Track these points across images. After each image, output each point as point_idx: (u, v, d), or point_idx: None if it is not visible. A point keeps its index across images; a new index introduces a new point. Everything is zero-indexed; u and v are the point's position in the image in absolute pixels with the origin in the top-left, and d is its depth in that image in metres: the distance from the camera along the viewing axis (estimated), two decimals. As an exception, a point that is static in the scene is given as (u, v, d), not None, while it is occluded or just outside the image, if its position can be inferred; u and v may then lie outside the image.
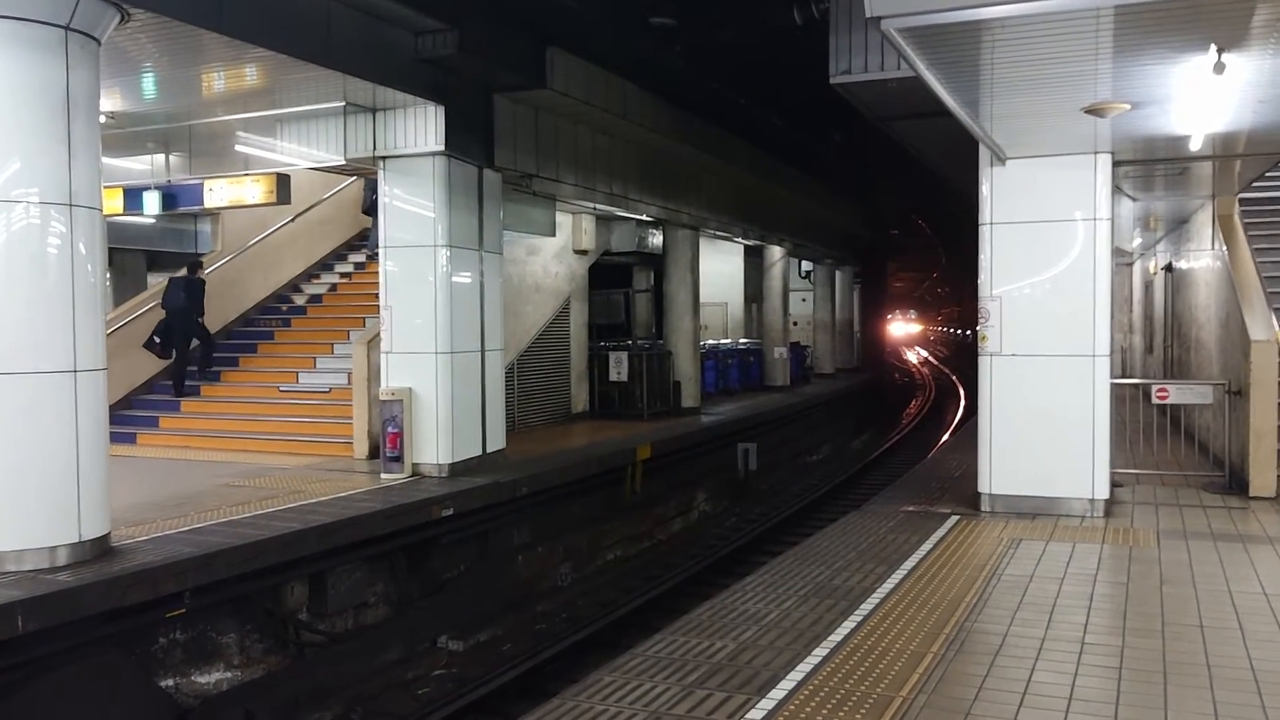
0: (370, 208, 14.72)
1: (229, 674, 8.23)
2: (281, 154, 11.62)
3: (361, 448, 12.28)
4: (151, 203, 13.04)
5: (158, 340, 14.17)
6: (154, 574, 7.19)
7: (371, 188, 14.14)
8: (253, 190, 12.58)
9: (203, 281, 14.75)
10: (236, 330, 15.78)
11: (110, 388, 8.34)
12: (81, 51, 7.21)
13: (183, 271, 14.79)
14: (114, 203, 12.97)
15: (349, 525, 8.92)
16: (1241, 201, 12.19)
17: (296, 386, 14.10)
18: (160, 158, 12.45)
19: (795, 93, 15.57)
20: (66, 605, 6.60)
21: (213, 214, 16.29)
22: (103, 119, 7.96)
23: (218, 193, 12.81)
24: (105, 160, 8.26)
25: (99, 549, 7.42)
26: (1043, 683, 4.97)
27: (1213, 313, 11.67)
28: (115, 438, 10.09)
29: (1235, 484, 9.74)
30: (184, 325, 14.34)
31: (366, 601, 9.59)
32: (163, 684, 7.72)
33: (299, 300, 16.70)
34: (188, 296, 14.29)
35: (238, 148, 11.85)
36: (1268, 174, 12.24)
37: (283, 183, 12.50)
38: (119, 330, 14.19)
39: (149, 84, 9.88)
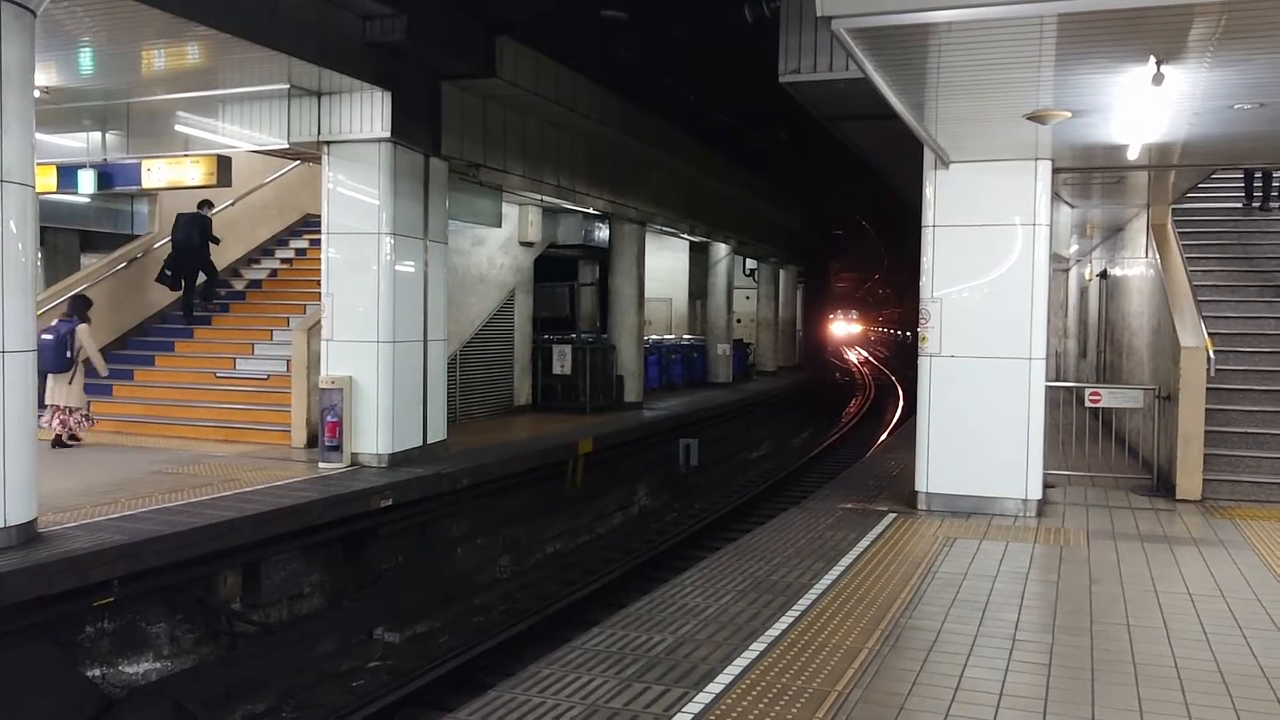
0: None
1: (158, 664, 8.08)
2: (223, 135, 11.41)
3: (299, 436, 12.12)
4: (87, 181, 12.69)
5: (169, 273, 14.72)
6: (82, 561, 7.03)
7: None
8: (192, 172, 12.31)
9: (209, 219, 14.93)
10: (173, 314, 15.45)
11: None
12: (16, 23, 7.01)
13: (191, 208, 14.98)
14: (47, 180, 12.61)
15: (285, 514, 8.80)
16: (1175, 211, 12.49)
17: (234, 373, 13.86)
18: (97, 135, 12.16)
19: (744, 91, 15.63)
20: (-11, 592, 6.43)
21: (150, 195, 15.94)
22: (38, 94, 7.74)
23: (156, 173, 12.53)
24: (39, 136, 8.03)
25: (25, 535, 7.24)
26: (975, 678, 5.05)
27: (1145, 319, 11.94)
28: (44, 421, 9.85)
29: (1163, 487, 9.97)
30: (192, 260, 14.76)
31: (302, 592, 9.47)
32: (89, 674, 7.55)
33: (239, 285, 16.39)
34: (200, 232, 14.67)
35: (178, 128, 11.59)
36: (1200, 185, 12.57)
37: (224, 165, 12.26)
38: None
39: (86, 59, 9.63)
